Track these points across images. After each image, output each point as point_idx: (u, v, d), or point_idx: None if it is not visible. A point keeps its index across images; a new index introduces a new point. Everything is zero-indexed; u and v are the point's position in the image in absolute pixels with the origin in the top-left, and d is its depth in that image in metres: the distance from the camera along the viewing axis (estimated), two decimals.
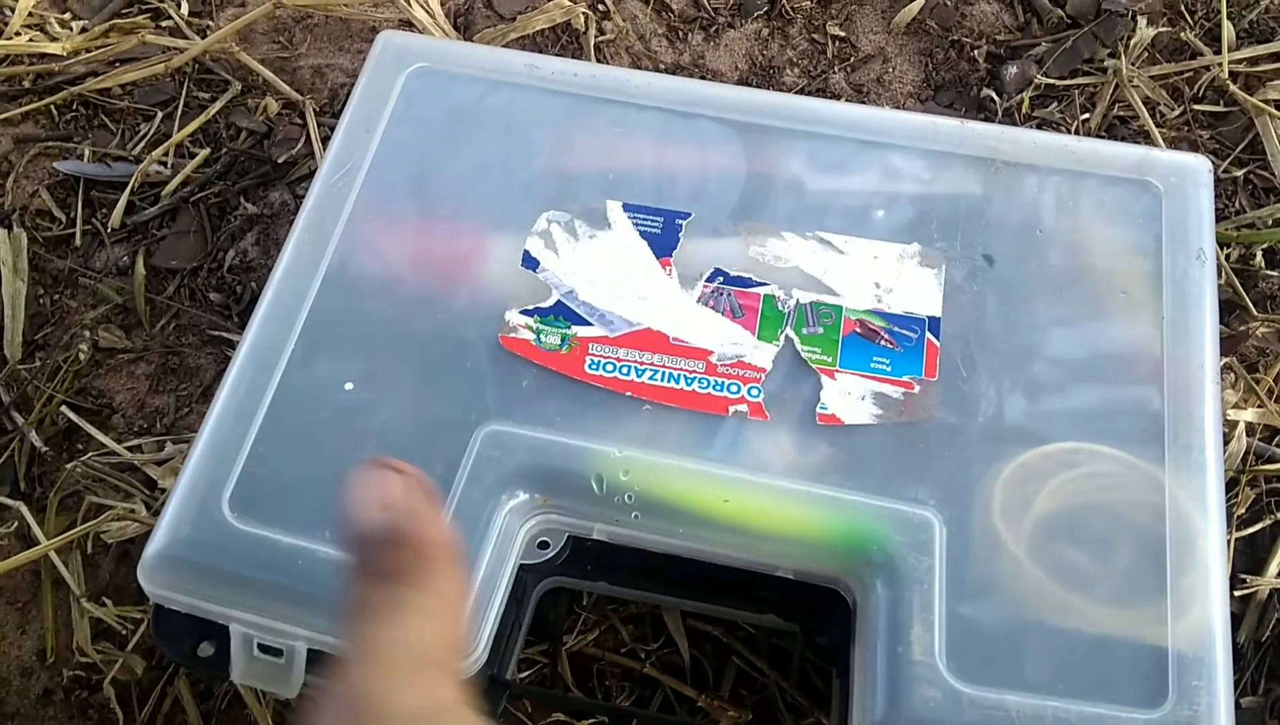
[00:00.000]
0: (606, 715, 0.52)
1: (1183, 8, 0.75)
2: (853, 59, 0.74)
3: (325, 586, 0.44)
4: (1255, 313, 0.64)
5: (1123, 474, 0.45)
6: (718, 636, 0.56)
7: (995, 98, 0.72)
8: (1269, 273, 0.66)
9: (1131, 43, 0.73)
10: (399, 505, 0.32)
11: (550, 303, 0.50)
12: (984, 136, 0.54)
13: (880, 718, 0.41)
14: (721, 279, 0.51)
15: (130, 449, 0.63)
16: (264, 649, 0.45)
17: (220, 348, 0.66)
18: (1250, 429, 0.61)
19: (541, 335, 0.50)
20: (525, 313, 0.50)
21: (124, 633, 0.58)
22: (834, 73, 0.74)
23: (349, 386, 0.49)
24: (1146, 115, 0.70)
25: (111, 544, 0.60)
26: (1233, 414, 0.60)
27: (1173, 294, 0.50)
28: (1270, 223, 0.67)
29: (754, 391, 0.48)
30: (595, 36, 0.74)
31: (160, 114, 0.74)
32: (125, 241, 0.71)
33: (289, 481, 0.47)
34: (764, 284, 0.50)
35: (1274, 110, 0.70)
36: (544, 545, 0.48)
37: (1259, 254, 0.67)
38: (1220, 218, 0.67)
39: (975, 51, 0.74)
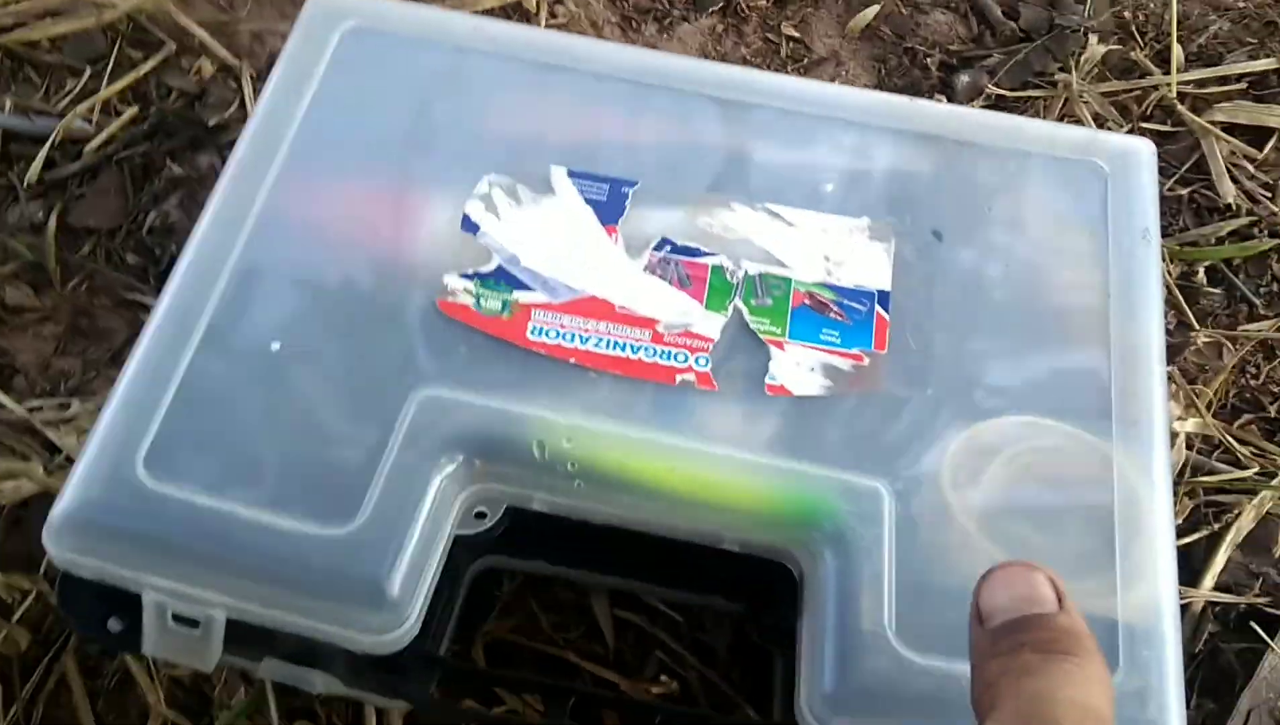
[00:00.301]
0: (542, 694, 0.50)
1: (1134, 28, 0.75)
2: (806, 60, 0.74)
3: (245, 550, 0.41)
4: (1196, 326, 0.64)
5: (1071, 447, 0.44)
6: (641, 626, 0.54)
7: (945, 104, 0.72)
8: (1210, 290, 0.66)
9: (1082, 59, 0.73)
10: (1049, 597, 0.36)
11: (491, 267, 0.48)
12: (934, 115, 0.54)
13: (829, 689, 0.40)
14: (669, 248, 0.49)
15: (31, 410, 0.59)
16: (179, 619, 0.42)
17: (135, 311, 0.63)
18: (1189, 442, 0.60)
19: (482, 300, 0.47)
20: (465, 276, 0.48)
21: (10, 603, 0.54)
22: (787, 73, 0.73)
23: (276, 346, 0.46)
24: (1095, 130, 0.70)
25: (4, 508, 0.57)
26: (1175, 425, 0.60)
27: (1119, 271, 0.49)
28: (1213, 241, 0.67)
29: (701, 361, 0.46)
30: (546, 20, 0.73)
31: (89, 70, 0.71)
32: (42, 198, 0.67)
33: (209, 442, 0.44)
34: (712, 254, 0.49)
35: (1219, 132, 0.70)
36: (481, 515, 0.45)
37: (1201, 271, 0.67)
38: (1165, 234, 0.67)
39: (928, 60, 0.74)
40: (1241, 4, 0.77)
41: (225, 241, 0.48)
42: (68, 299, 0.64)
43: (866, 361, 0.46)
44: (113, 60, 0.72)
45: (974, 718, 0.35)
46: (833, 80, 0.73)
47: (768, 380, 0.45)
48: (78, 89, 0.71)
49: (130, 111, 0.69)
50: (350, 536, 0.41)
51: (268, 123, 0.52)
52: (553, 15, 0.73)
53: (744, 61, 0.74)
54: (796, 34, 0.75)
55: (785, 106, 0.53)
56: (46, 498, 0.55)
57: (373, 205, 0.50)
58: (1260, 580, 0.57)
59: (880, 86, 0.73)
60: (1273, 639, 0.55)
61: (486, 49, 0.54)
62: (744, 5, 0.75)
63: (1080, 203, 0.51)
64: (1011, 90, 0.72)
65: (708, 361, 0.46)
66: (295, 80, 0.53)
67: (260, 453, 0.43)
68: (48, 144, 0.68)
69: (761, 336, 0.47)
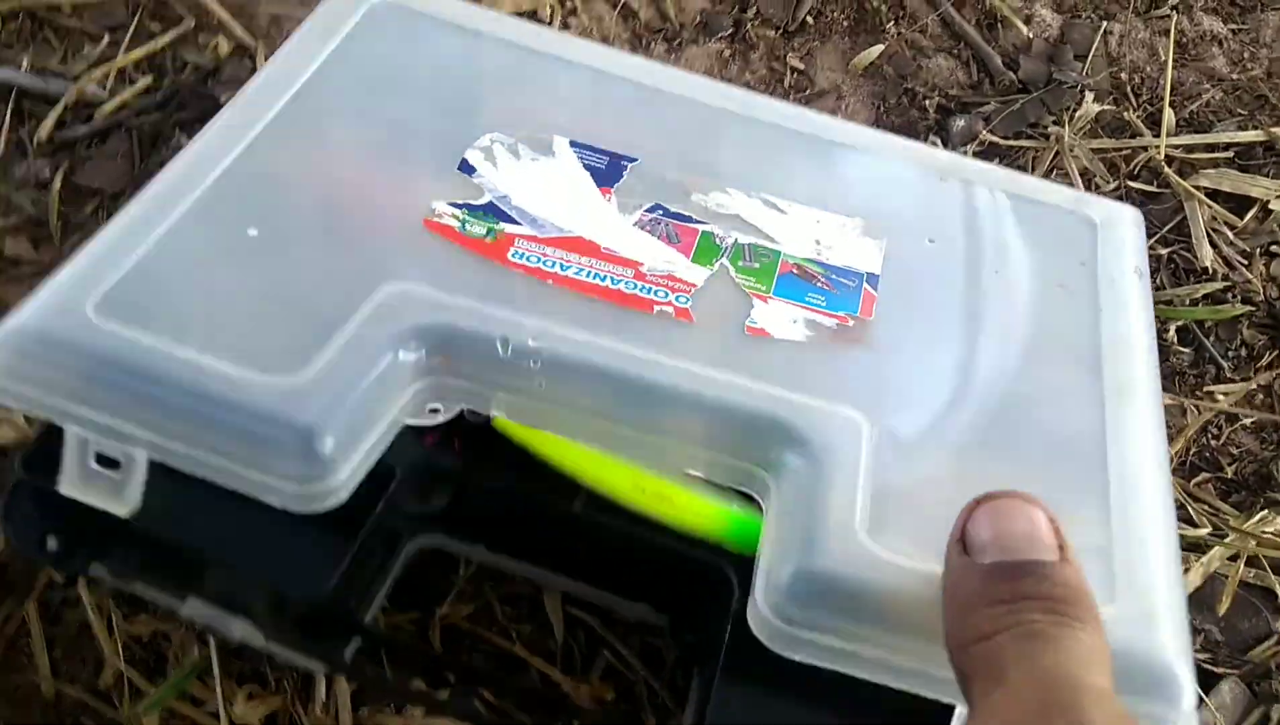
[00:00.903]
0: (459, 675, 0.48)
1: (1129, 90, 0.78)
2: (808, 91, 0.76)
3: (180, 388, 0.40)
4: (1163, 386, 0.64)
5: (1066, 393, 0.45)
6: (593, 627, 0.53)
7: (940, 146, 0.73)
8: (1181, 349, 0.67)
9: (1077, 114, 0.75)
10: (1049, 542, 0.32)
11: (482, 201, 0.49)
12: (933, 155, 0.56)
13: (789, 577, 0.38)
14: (661, 211, 0.50)
15: None
16: (101, 460, 0.41)
17: None
18: None
19: (467, 225, 0.47)
20: (454, 205, 0.48)
21: None
22: (789, 102, 0.75)
23: (253, 231, 0.46)
24: (1082, 185, 0.72)
25: None
26: None
27: (1110, 293, 0.50)
28: (1187, 301, 0.68)
29: (682, 298, 0.46)
30: (559, 31, 0.75)
31: (108, 38, 0.73)
32: (50, 156, 0.68)
33: (167, 300, 0.43)
34: (703, 223, 0.49)
35: (1203, 197, 0.72)
36: (435, 411, 0.44)
37: (1173, 330, 0.67)
38: None
39: (927, 101, 0.76)
40: (1235, 76, 0.79)
41: (225, 146, 0.48)
42: (66, 256, 0.64)
43: (852, 323, 0.46)
44: (131, 30, 0.73)
45: (950, 656, 0.32)
46: (832, 113, 0.75)
47: (748, 323, 0.45)
48: (95, 55, 0.72)
49: (145, 81, 0.71)
50: (291, 386, 0.40)
51: (286, 66, 0.53)
52: (565, 27, 0.75)
53: (747, 88, 0.75)
54: (801, 66, 0.77)
55: (793, 127, 0.56)
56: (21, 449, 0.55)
57: (376, 141, 0.51)
58: (1202, 636, 0.57)
59: (877, 123, 0.75)
60: (1208, 695, 0.54)
61: (505, 40, 0.56)
62: (752, 33, 0.78)
63: (1072, 239, 0.53)
64: (1005, 138, 0.74)
65: (688, 300, 0.46)
66: (320, 33, 0.54)
67: (217, 310, 0.43)
68: (60, 105, 0.70)
69: (746, 290, 0.47)
